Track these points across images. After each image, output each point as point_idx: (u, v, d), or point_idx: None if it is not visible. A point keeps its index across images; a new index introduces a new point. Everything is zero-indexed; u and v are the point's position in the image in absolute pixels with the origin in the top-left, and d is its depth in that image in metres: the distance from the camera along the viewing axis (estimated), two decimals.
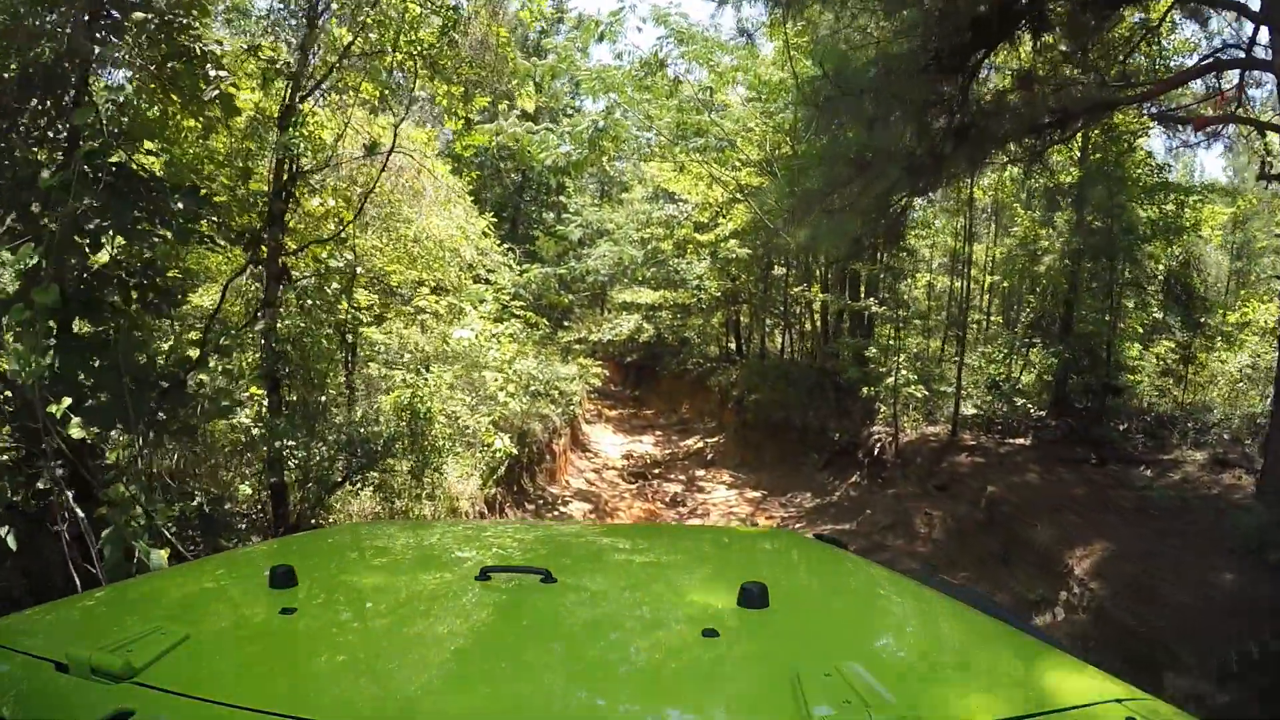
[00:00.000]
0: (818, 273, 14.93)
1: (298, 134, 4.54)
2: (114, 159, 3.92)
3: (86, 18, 3.71)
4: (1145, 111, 8.64)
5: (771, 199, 9.65)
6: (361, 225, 6.60)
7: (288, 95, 4.81)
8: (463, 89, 5.14)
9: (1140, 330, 11.34)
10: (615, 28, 11.77)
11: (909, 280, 13.99)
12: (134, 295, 4.11)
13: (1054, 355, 10.50)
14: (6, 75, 3.75)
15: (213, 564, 1.73)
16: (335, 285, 5.01)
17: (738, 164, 13.40)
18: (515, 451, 8.38)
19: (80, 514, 3.38)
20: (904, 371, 11.16)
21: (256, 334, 4.58)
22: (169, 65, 4.42)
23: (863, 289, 13.77)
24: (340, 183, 5.66)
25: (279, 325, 4.57)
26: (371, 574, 1.49)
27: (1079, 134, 9.28)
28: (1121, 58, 7.60)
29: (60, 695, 0.89)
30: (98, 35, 3.91)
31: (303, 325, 4.60)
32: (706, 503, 11.43)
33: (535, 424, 10.48)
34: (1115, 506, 7.13)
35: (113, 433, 3.88)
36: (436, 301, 7.55)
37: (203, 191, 4.62)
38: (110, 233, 3.86)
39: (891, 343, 12.09)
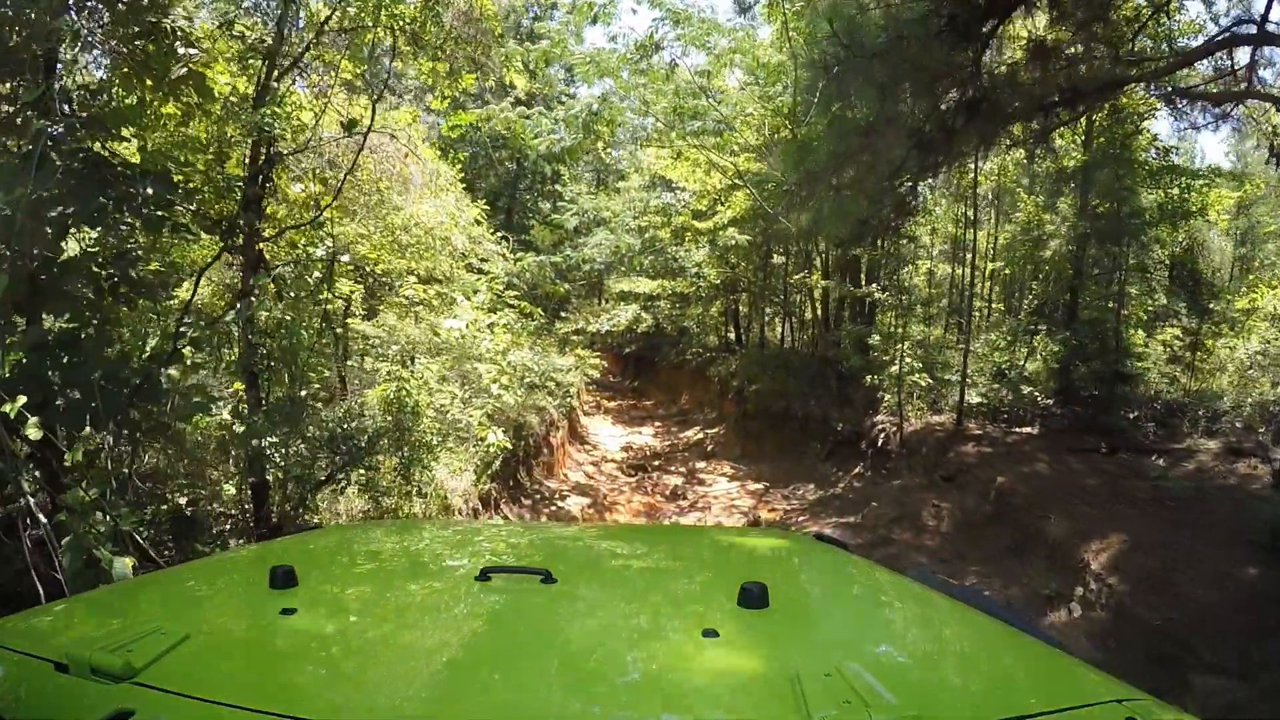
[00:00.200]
0: (818, 260, 14.75)
1: (272, 111, 4.29)
2: (84, 144, 3.75)
3: None
4: (1154, 93, 8.48)
5: (780, 169, 9.36)
6: (347, 213, 6.36)
7: (263, 74, 4.56)
8: (448, 66, 4.90)
9: (1144, 317, 11.19)
10: (609, 9, 11.49)
11: (910, 267, 13.82)
12: (105, 287, 3.92)
13: (1061, 342, 10.31)
14: None
15: (213, 564, 1.76)
16: (316, 274, 4.76)
17: (736, 148, 13.16)
18: (510, 445, 8.15)
19: (44, 520, 3.19)
20: (909, 359, 10.97)
21: (235, 326, 4.35)
22: (136, 43, 4.21)
23: (863, 276, 13.59)
24: (322, 168, 5.41)
25: (258, 317, 4.34)
26: (372, 574, 1.50)
27: (1085, 116, 9.11)
28: (1130, 36, 7.42)
29: (60, 695, 0.89)
30: (68, 16, 3.72)
31: (280, 316, 4.36)
32: (707, 495, 11.23)
33: (532, 417, 10.25)
34: (1129, 497, 6.93)
35: (85, 432, 3.67)
36: (425, 290, 7.27)
37: (177, 178, 4.41)
38: (76, 221, 3.68)
39: (895, 330, 11.90)
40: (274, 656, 1.06)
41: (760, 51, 12.78)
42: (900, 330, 11.91)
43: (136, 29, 4.07)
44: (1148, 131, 10.52)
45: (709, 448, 14.36)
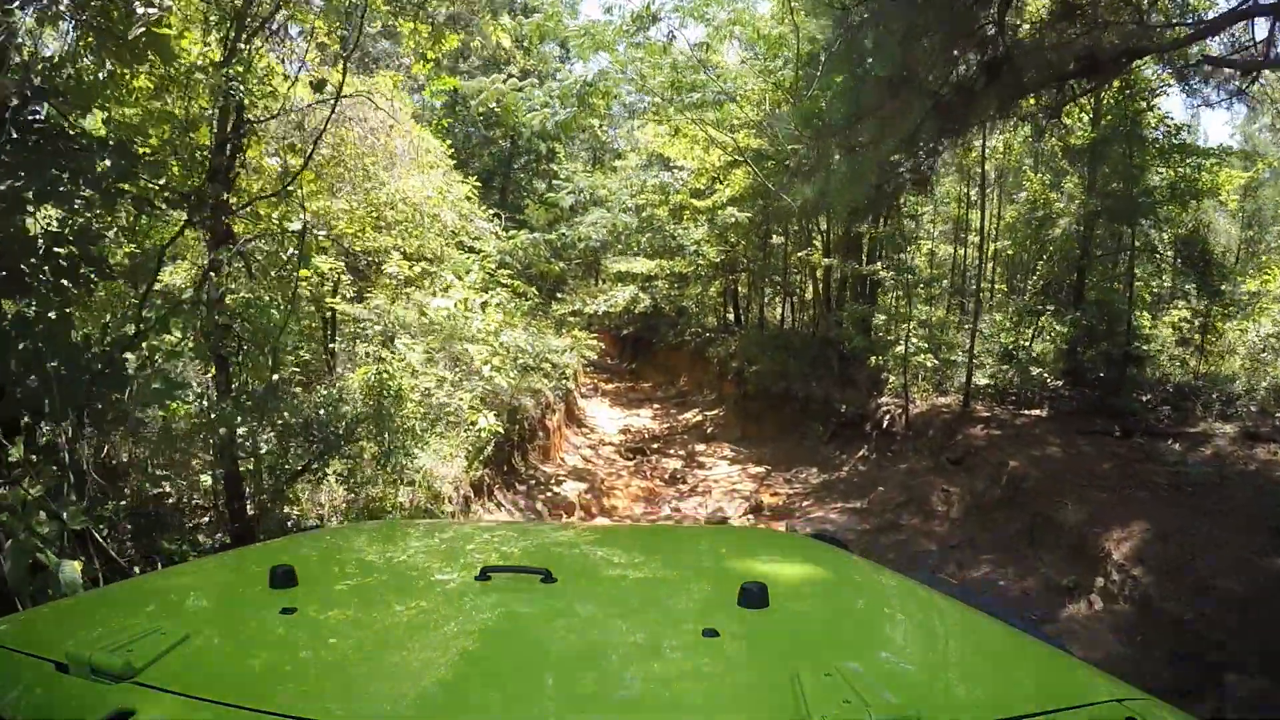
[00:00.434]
0: (818, 239, 14.44)
1: (238, 72, 3.97)
2: (43, 118, 3.48)
3: None
4: (1167, 68, 8.22)
5: (789, 127, 8.99)
6: (330, 190, 6.03)
7: (231, 35, 4.23)
8: (429, 26, 4.57)
9: (1148, 299, 10.95)
10: None
11: (912, 247, 13.52)
12: (64, 268, 3.62)
13: (1070, 323, 10.03)
14: None
15: (213, 564, 1.79)
16: (292, 250, 4.45)
17: (735, 123, 12.82)
18: (503, 430, 7.88)
19: None
20: (915, 339, 10.70)
21: (201, 307, 4.05)
22: (95, 3, 3.91)
23: (864, 256, 13.30)
24: (301, 142, 5.08)
25: (227, 296, 4.04)
26: (372, 574, 1.51)
27: (1099, 89, 8.83)
28: (1145, 4, 7.18)
29: (60, 695, 0.89)
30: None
31: (249, 295, 4.06)
32: (707, 479, 10.99)
33: (526, 400, 9.97)
34: (1145, 482, 6.67)
35: (28, 423, 3.39)
36: (410, 268, 6.93)
37: (141, 150, 4.09)
38: (30, 196, 3.39)
39: (900, 310, 11.64)
40: (274, 656, 1.06)
41: (760, 24, 12.44)
42: (905, 310, 11.64)
43: None
44: (1158, 109, 10.23)
45: (708, 430, 14.13)
